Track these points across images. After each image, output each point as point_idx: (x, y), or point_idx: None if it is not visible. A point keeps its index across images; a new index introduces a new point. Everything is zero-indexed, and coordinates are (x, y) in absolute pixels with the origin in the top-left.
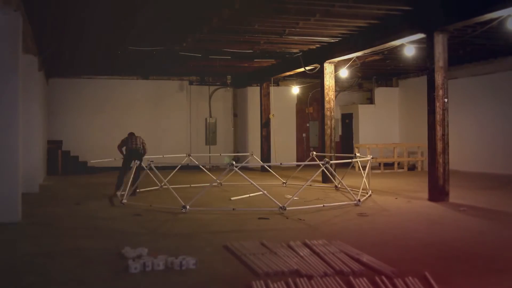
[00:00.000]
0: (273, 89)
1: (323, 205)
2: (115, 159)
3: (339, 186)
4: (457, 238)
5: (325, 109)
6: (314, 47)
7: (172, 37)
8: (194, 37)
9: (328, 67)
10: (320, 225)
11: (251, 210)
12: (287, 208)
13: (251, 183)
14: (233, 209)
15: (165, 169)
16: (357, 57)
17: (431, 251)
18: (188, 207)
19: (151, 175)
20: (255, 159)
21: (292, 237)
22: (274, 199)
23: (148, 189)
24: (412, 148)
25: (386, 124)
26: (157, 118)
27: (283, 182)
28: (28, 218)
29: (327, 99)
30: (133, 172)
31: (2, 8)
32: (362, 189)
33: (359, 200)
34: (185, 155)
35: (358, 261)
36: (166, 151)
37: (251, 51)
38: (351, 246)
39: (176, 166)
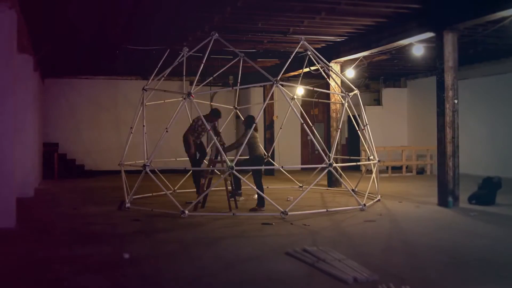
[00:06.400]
0: (276, 90)
1: (326, 210)
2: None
3: (356, 189)
4: (467, 244)
5: (331, 111)
6: (319, 46)
7: (173, 36)
8: (195, 36)
9: (334, 67)
10: (324, 231)
11: (252, 215)
12: (289, 213)
13: (252, 187)
14: (233, 214)
15: (174, 172)
16: (364, 57)
17: (440, 258)
18: (187, 212)
19: (163, 179)
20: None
21: (295, 242)
22: (274, 203)
23: (159, 193)
24: (421, 151)
25: (394, 126)
26: (158, 120)
27: (300, 186)
28: (24, 224)
29: (333, 100)
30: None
31: None
32: (369, 193)
33: (364, 205)
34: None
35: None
36: (168, 153)
37: (254, 50)
38: (357, 252)
39: (180, 169)
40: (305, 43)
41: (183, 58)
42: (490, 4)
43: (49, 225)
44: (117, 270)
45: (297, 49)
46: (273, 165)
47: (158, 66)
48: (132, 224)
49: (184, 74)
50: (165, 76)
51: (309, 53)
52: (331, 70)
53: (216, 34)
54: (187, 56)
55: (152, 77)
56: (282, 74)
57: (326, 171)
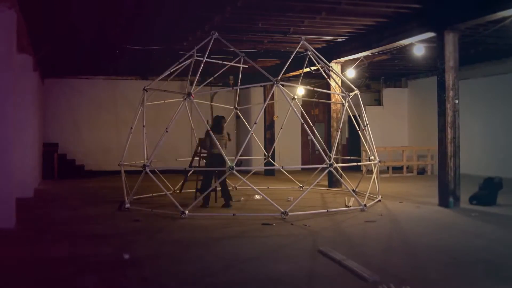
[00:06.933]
0: (277, 90)
1: (327, 210)
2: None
3: (357, 190)
4: (468, 244)
5: (332, 111)
6: (319, 46)
7: (173, 36)
8: (195, 36)
9: (335, 67)
10: (324, 231)
11: (253, 215)
12: (289, 214)
13: (252, 187)
14: (234, 214)
15: (174, 172)
16: (365, 57)
17: (441, 258)
18: (187, 212)
19: (163, 179)
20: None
21: (295, 243)
22: (275, 204)
23: (159, 193)
24: (422, 152)
25: (394, 126)
26: (158, 120)
27: (300, 186)
28: (24, 224)
29: (333, 100)
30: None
31: None
32: (370, 194)
33: (365, 205)
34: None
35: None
36: (168, 153)
37: (254, 50)
38: (357, 252)
39: (180, 169)
40: (306, 43)
41: (191, 60)
42: (491, 4)
43: (49, 225)
44: (117, 271)
45: (297, 49)
46: (273, 165)
47: (173, 67)
48: (132, 224)
49: (190, 74)
50: (170, 77)
51: (309, 53)
52: (332, 70)
53: (216, 34)
54: (188, 57)
55: (158, 78)
56: (283, 74)
57: (326, 171)
